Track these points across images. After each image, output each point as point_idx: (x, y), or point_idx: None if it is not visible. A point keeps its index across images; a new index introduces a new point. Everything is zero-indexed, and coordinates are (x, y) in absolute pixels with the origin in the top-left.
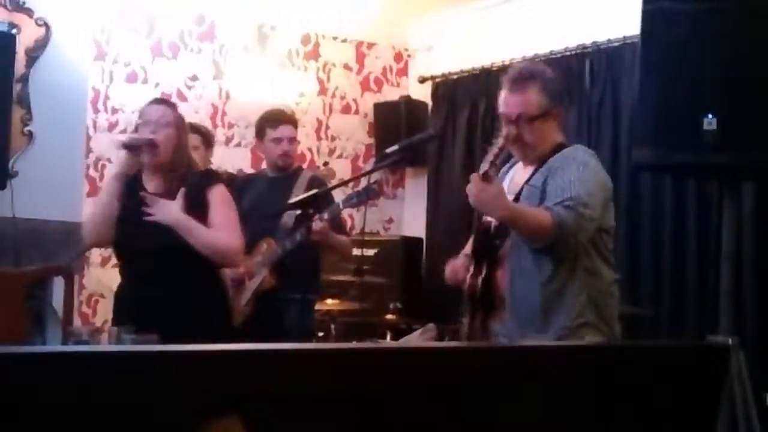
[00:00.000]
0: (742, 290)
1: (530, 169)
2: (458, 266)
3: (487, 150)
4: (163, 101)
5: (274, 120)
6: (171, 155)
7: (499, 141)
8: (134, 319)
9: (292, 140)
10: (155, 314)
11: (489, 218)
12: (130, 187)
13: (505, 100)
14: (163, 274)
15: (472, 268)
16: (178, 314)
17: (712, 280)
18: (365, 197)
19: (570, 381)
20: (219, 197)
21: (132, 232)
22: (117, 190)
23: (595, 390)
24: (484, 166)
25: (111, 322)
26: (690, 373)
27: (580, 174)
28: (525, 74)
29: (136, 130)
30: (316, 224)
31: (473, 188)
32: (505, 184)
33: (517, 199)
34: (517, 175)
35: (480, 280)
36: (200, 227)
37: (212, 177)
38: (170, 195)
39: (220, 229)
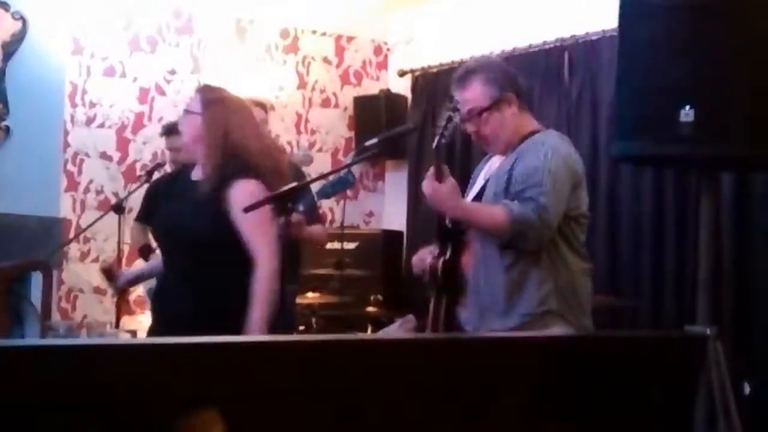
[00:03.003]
0: (721, 280)
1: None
2: (424, 254)
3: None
4: (201, 89)
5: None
6: (192, 143)
7: (443, 118)
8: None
9: (263, 123)
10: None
11: None
12: (177, 180)
13: (456, 99)
14: (180, 263)
15: (436, 251)
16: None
17: (691, 270)
18: (340, 187)
19: (548, 372)
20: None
21: (163, 222)
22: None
23: (574, 381)
24: (435, 141)
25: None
26: (668, 363)
27: (548, 160)
28: (465, 70)
29: None
30: (293, 217)
31: (427, 187)
32: (484, 172)
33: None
34: (494, 164)
35: (441, 261)
36: None
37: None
38: (207, 183)
39: None
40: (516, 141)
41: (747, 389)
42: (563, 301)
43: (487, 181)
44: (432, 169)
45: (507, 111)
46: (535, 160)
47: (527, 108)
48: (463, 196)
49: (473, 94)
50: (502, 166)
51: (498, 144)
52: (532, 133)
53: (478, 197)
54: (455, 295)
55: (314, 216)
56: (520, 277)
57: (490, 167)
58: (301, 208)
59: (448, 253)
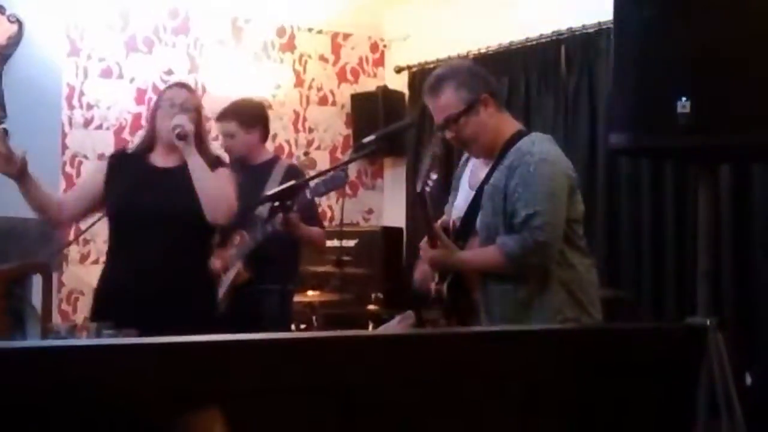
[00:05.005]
0: (720, 271)
1: (490, 163)
2: (428, 273)
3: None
4: (183, 85)
5: (217, 115)
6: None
7: (427, 159)
8: (125, 296)
9: (229, 136)
10: (150, 290)
11: (447, 218)
12: (134, 164)
13: (430, 109)
14: (164, 243)
15: (436, 276)
16: (174, 290)
17: (690, 262)
18: (332, 185)
19: (548, 365)
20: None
21: (137, 203)
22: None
23: (575, 374)
24: (419, 185)
25: (92, 305)
26: (669, 355)
27: (538, 175)
28: (435, 78)
29: (155, 113)
30: (289, 215)
31: (423, 257)
32: (466, 177)
33: (479, 196)
34: (479, 169)
35: (445, 286)
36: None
37: (218, 161)
38: (183, 170)
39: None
40: (498, 144)
41: (748, 380)
42: (577, 304)
43: (477, 192)
44: (425, 240)
45: (484, 112)
46: (527, 174)
47: (504, 107)
48: (446, 202)
49: (447, 101)
50: (494, 181)
51: (479, 147)
52: (515, 136)
53: (472, 210)
54: (465, 316)
55: (311, 216)
56: (531, 293)
57: (473, 173)
58: (294, 207)
59: (449, 277)
